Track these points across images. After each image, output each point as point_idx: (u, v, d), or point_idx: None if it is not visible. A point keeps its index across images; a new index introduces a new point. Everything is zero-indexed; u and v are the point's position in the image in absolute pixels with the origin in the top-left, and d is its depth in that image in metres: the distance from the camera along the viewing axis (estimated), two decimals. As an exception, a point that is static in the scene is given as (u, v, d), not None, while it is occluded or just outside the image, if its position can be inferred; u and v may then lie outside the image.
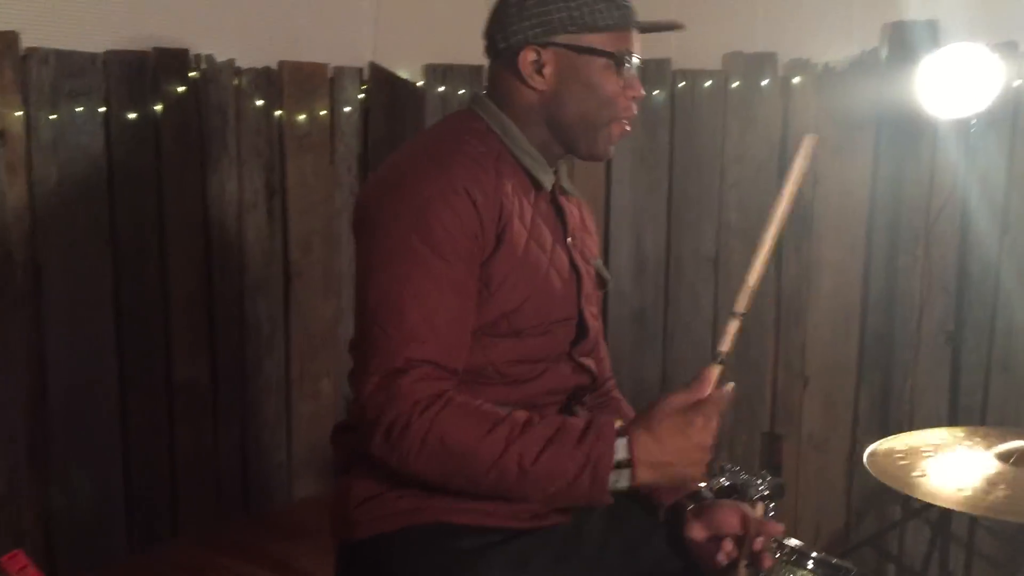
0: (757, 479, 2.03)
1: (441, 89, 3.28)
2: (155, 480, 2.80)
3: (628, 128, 1.50)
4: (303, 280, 3.16)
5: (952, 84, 2.33)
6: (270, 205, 3.03)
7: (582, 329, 1.51)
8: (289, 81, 3.03)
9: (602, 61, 1.43)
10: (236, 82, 2.87)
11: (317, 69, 3.11)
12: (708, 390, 1.31)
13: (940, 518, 2.47)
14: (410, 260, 1.31)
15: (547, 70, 1.44)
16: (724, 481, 2.08)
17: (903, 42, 2.59)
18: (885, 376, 2.71)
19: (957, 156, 2.53)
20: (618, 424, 1.30)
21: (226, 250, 2.92)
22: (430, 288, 1.31)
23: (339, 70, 3.18)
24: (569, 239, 1.53)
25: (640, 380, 3.00)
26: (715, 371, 1.33)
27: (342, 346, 3.31)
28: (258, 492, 3.10)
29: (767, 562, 1.44)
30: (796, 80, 2.77)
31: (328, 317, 3.26)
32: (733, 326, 1.34)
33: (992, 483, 1.69)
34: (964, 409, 2.54)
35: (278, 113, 3.01)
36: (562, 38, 1.42)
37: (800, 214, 2.81)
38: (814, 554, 1.57)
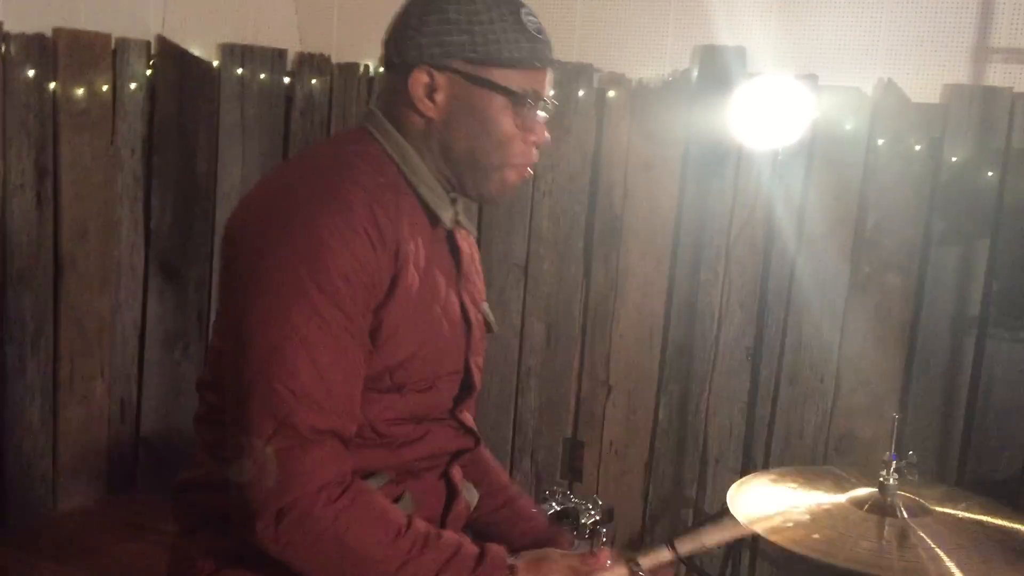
0: (587, 504, 2.05)
1: (239, 71, 3.05)
2: None
3: (528, 174, 1.37)
4: (76, 271, 2.90)
5: (761, 115, 2.43)
6: (40, 188, 2.76)
7: (467, 383, 1.41)
8: (65, 51, 2.75)
9: (501, 99, 1.28)
10: (2, 48, 2.58)
11: (98, 39, 2.84)
12: (601, 569, 1.31)
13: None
14: (305, 310, 1.17)
15: (439, 97, 1.29)
16: (556, 506, 2.08)
17: (713, 65, 2.68)
18: (684, 386, 2.82)
19: (758, 180, 2.65)
20: (510, 560, 1.29)
21: (-14, 238, 2.62)
22: (325, 343, 1.18)
23: (123, 42, 2.93)
24: (462, 282, 1.41)
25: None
26: (620, 570, 1.33)
27: (119, 344, 3.08)
28: (18, 506, 2.84)
29: None
30: (611, 94, 2.80)
31: (104, 312, 3.00)
32: (664, 557, 1.34)
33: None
34: (758, 419, 2.68)
35: (52, 86, 2.73)
36: (460, 64, 1.27)
37: (610, 225, 2.85)
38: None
